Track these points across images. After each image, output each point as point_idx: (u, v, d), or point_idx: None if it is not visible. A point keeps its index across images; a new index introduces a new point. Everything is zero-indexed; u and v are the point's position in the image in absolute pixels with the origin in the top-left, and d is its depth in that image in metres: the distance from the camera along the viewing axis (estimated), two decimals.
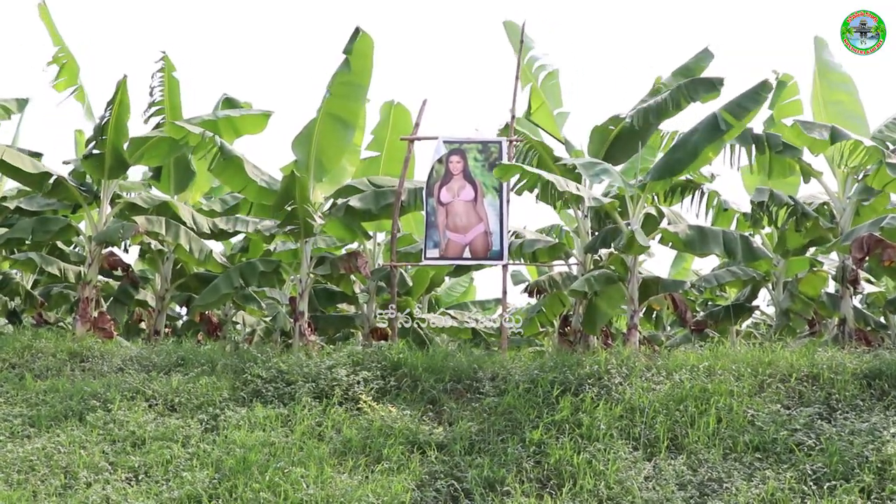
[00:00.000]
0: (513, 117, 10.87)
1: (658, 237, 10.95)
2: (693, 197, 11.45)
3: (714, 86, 10.24)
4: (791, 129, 10.50)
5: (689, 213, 11.64)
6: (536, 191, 10.90)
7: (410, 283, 13.66)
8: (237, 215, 13.06)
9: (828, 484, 5.97)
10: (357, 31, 10.98)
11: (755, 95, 9.68)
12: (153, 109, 12.17)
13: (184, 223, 11.87)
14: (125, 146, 11.37)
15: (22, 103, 12.59)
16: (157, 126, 12.14)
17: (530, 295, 12.93)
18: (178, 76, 12.20)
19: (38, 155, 12.07)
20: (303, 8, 54.77)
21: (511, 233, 12.52)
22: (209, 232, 12.30)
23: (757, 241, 11.93)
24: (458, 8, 53.41)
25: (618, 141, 11.06)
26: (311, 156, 11.42)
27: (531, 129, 12.18)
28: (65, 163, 12.75)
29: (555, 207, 11.56)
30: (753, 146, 10.63)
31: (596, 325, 11.03)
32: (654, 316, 14.12)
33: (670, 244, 10.91)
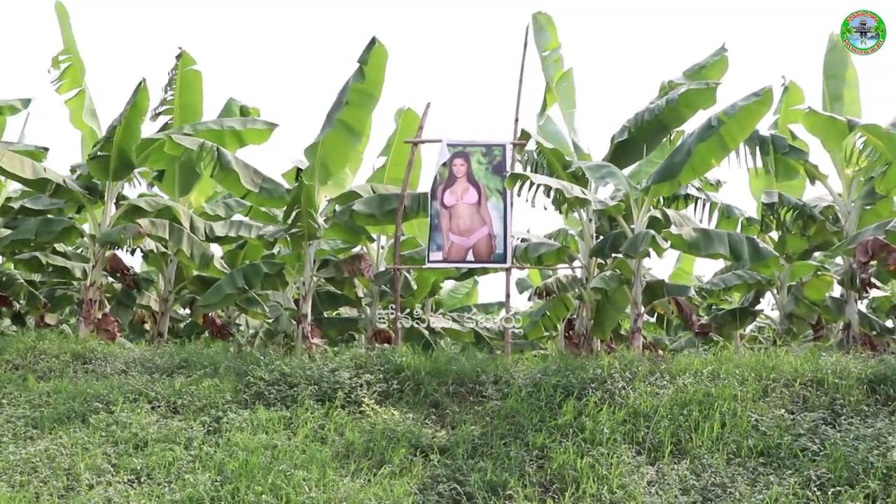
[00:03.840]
0: (516, 119, 10.84)
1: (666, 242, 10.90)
2: (696, 204, 11.44)
3: (706, 86, 10.14)
4: (807, 116, 10.36)
5: (695, 218, 11.64)
6: (549, 198, 10.81)
7: (415, 287, 13.66)
8: (240, 218, 13.05)
9: (832, 490, 5.94)
10: (373, 41, 10.97)
11: (751, 96, 9.60)
12: (161, 108, 12.17)
13: (186, 228, 11.89)
14: (134, 148, 11.36)
15: (26, 102, 12.61)
16: (164, 127, 12.17)
17: (539, 297, 12.91)
18: (199, 69, 12.12)
19: (43, 150, 12.06)
20: (308, 10, 54.90)
21: (518, 237, 12.50)
22: (205, 237, 12.30)
23: (761, 242, 11.90)
24: (466, 9, 53.50)
25: (623, 146, 11.04)
26: (316, 161, 11.45)
27: (550, 132, 12.17)
28: (72, 169, 12.76)
29: (561, 212, 11.53)
30: (758, 148, 10.59)
31: (605, 329, 11.00)
32: (664, 320, 14.07)
33: (671, 244, 10.85)
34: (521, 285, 17.14)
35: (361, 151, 12.28)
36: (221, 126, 11.51)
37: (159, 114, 12.14)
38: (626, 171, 11.31)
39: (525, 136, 10.87)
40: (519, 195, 10.08)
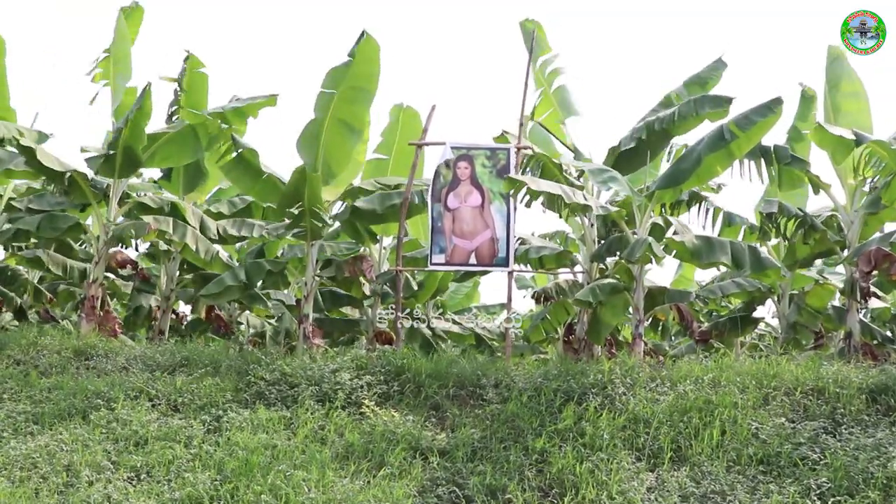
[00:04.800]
0: (521, 124, 10.84)
1: (663, 247, 10.91)
2: (700, 208, 11.45)
3: (722, 103, 10.20)
4: (815, 132, 10.44)
5: (696, 223, 11.65)
6: (542, 199, 10.84)
7: (416, 288, 13.66)
8: (245, 219, 13.08)
9: (832, 499, 5.94)
10: (362, 34, 10.96)
11: (764, 110, 9.62)
12: (172, 110, 12.16)
13: (191, 224, 11.90)
14: (140, 147, 11.37)
15: (43, 137, 12.58)
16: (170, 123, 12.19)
17: (538, 301, 12.91)
18: (206, 71, 12.13)
19: (44, 137, 12.06)
20: (313, 10, 54.96)
21: (517, 239, 12.49)
22: (217, 236, 12.32)
23: (763, 251, 11.90)
24: (471, 12, 53.54)
25: (627, 153, 11.05)
26: (318, 159, 11.44)
27: (540, 137, 12.17)
28: (82, 149, 12.69)
29: (561, 216, 11.55)
30: (762, 159, 10.61)
31: (601, 335, 11.00)
32: (660, 327, 14.06)
33: (675, 252, 10.86)
34: (521, 282, 17.15)
35: (363, 148, 12.27)
36: (223, 110, 11.46)
37: (171, 115, 12.13)
38: (625, 178, 11.32)
39: (503, 139, 10.84)
40: (519, 202, 10.11)
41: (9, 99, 12.11)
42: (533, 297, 13.07)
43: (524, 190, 9.78)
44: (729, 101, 10.16)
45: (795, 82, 12.19)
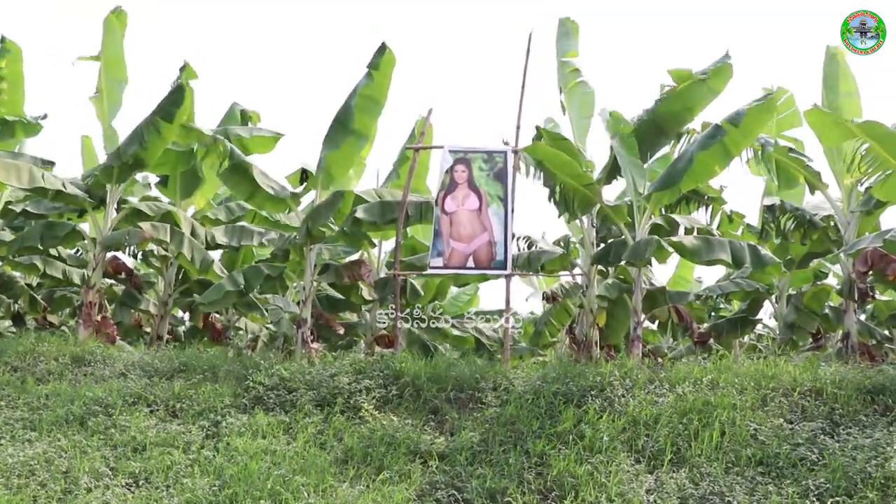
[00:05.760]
0: (518, 126, 10.82)
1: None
2: (699, 208, 11.47)
3: (723, 59, 10.19)
4: (809, 112, 10.36)
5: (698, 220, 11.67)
6: (556, 190, 10.77)
7: (422, 293, 13.67)
8: (242, 224, 13.06)
9: (830, 500, 5.93)
10: (383, 46, 11.03)
11: (755, 104, 9.64)
12: None
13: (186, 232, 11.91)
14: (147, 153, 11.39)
15: (40, 119, 12.54)
16: None
17: (549, 301, 12.96)
18: (194, 84, 12.14)
19: (49, 164, 12.08)
20: (313, 14, 55.03)
21: (525, 239, 12.51)
22: (204, 244, 12.31)
23: (762, 249, 11.92)
24: (474, 16, 53.64)
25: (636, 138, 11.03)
26: (320, 165, 11.48)
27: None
28: (83, 178, 12.58)
29: (568, 211, 11.47)
30: (762, 152, 10.62)
31: (618, 333, 11.03)
32: (667, 328, 14.11)
33: (672, 251, 10.87)
34: (527, 281, 17.18)
35: (365, 157, 12.31)
36: (227, 133, 11.56)
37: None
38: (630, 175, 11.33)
39: (541, 134, 10.80)
40: (529, 176, 10.04)
41: (23, 104, 12.16)
42: (543, 297, 13.15)
43: (533, 167, 9.73)
44: (705, 76, 10.18)
45: (776, 85, 12.18)
